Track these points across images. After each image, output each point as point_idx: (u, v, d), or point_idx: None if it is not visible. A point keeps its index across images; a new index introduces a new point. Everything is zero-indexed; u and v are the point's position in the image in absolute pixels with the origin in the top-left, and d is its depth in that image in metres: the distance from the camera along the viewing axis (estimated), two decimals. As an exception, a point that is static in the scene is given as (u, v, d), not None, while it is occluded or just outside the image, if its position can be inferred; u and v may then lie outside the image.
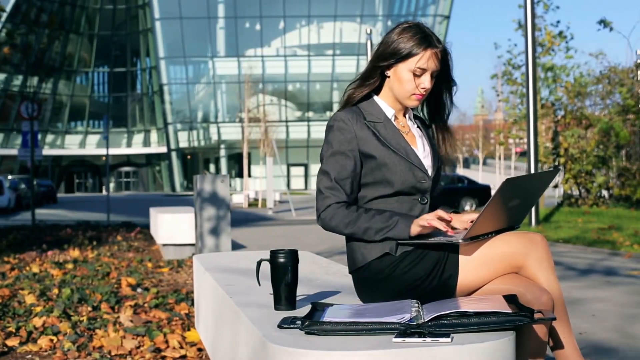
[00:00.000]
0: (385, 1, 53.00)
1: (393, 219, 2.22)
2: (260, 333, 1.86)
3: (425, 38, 2.30)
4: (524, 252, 2.18)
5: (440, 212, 2.20)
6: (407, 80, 2.32)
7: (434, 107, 2.49)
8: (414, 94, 2.33)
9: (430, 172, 2.36)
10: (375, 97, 2.41)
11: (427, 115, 2.53)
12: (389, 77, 2.37)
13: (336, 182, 2.27)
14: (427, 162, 2.37)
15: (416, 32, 2.31)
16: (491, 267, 2.20)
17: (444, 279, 2.21)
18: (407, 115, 2.46)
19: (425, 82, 2.31)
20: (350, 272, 2.37)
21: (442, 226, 2.16)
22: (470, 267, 2.20)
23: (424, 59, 2.29)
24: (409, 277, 2.22)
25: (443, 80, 2.41)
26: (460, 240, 2.15)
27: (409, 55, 2.30)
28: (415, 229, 2.20)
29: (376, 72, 2.38)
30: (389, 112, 2.39)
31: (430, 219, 2.18)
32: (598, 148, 17.11)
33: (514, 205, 2.21)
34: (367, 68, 2.40)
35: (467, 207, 23.75)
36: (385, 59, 2.34)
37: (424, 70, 2.30)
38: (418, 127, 2.47)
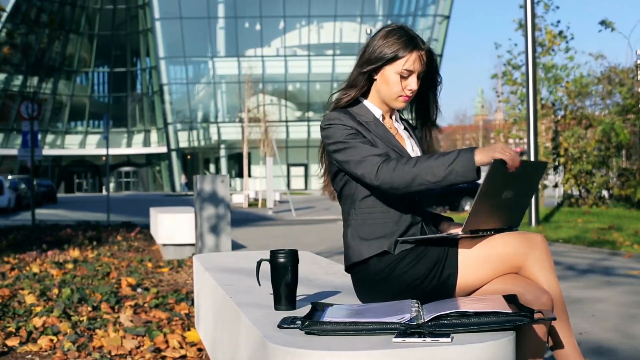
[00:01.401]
0: (385, 1, 53.00)
1: (452, 152, 2.11)
2: (260, 333, 1.86)
3: (411, 40, 2.33)
4: (523, 252, 2.18)
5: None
6: (394, 83, 2.34)
7: (421, 109, 2.51)
8: (401, 96, 2.36)
9: None
10: (364, 101, 2.43)
11: (415, 116, 2.55)
12: (375, 79, 2.39)
13: (364, 149, 2.22)
14: None
15: (401, 34, 2.34)
16: (491, 267, 2.20)
17: (443, 278, 2.21)
18: (393, 117, 2.48)
19: (412, 83, 2.34)
20: (346, 269, 2.37)
21: (509, 158, 2.05)
22: (470, 267, 2.20)
23: (410, 61, 2.31)
24: (408, 277, 2.22)
25: (428, 81, 2.44)
26: (460, 233, 2.15)
27: (395, 58, 2.32)
28: (480, 158, 2.07)
29: (364, 76, 2.39)
30: (377, 112, 2.41)
31: (506, 151, 2.06)
32: (598, 148, 17.11)
33: (508, 197, 2.19)
34: (354, 73, 2.41)
35: (467, 207, 23.71)
36: (372, 63, 2.35)
37: (410, 72, 2.33)
38: (405, 129, 2.50)
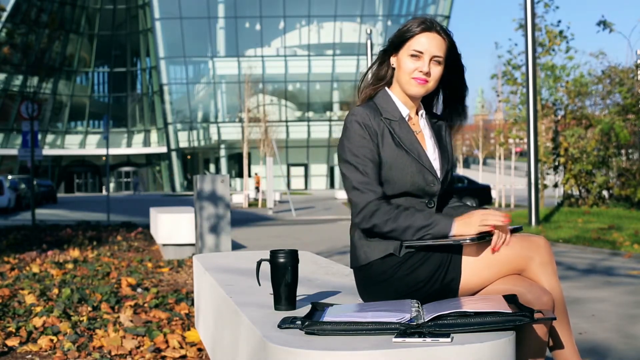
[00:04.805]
0: (385, 1, 52.99)
1: (434, 217, 2.19)
2: (260, 333, 1.86)
3: (425, 22, 2.31)
4: (527, 255, 2.17)
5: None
6: (407, 64, 2.31)
7: (451, 105, 2.47)
8: (413, 78, 2.30)
9: (439, 175, 2.33)
10: (388, 90, 2.39)
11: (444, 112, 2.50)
12: (394, 68, 2.37)
13: (368, 177, 2.23)
14: (436, 164, 2.34)
15: (419, 20, 2.33)
16: (494, 270, 2.18)
17: (446, 282, 2.19)
18: (419, 113, 2.43)
19: (424, 66, 2.29)
20: (351, 268, 2.36)
21: (500, 221, 2.14)
22: (473, 269, 2.19)
23: (420, 41, 2.29)
24: (411, 279, 2.20)
25: (454, 76, 2.39)
26: (467, 240, 2.13)
27: (407, 39, 2.30)
28: (458, 229, 2.17)
29: (385, 63, 2.39)
30: (404, 111, 2.36)
31: (489, 219, 2.15)
32: (598, 148, 17.12)
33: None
34: (376, 62, 2.41)
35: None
36: (388, 47, 2.36)
37: (420, 53, 2.29)
38: (431, 127, 2.43)
